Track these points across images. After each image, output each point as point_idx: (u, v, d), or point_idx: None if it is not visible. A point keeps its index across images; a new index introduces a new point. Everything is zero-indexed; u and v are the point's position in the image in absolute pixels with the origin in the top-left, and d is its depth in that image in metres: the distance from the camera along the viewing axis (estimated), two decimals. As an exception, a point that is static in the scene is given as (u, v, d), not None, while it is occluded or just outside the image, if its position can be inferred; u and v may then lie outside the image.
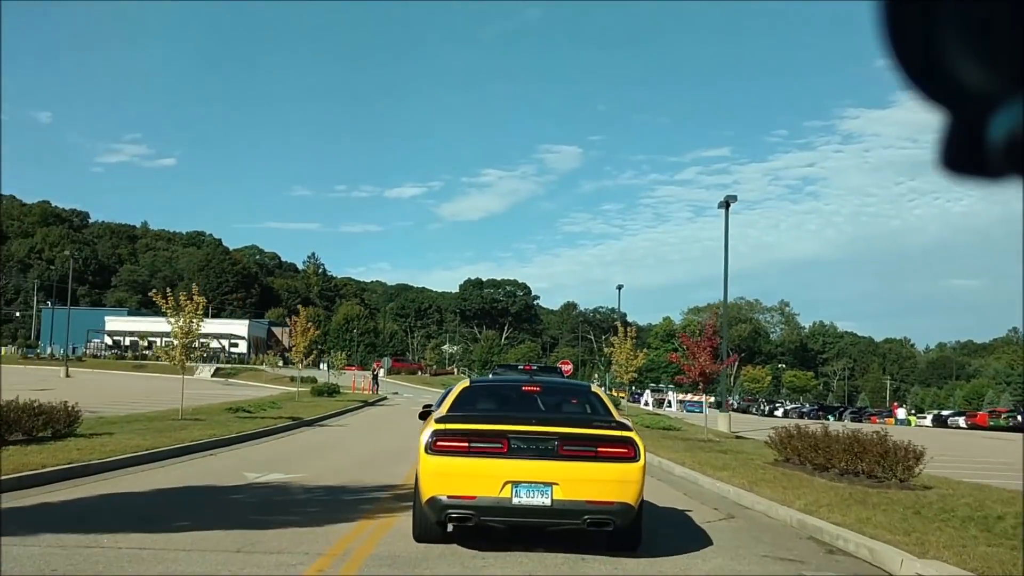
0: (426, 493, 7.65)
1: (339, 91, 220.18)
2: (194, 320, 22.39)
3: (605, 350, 41.98)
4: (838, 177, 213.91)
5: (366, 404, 40.02)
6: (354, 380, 56.20)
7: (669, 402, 62.63)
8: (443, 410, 8.60)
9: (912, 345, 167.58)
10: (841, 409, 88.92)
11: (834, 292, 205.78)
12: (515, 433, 7.72)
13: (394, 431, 24.36)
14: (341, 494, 11.65)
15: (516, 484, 7.54)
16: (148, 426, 19.33)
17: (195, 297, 22.54)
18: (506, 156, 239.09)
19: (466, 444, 7.70)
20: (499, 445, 7.68)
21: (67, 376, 56.27)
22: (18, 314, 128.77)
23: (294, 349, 37.71)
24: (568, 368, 46.45)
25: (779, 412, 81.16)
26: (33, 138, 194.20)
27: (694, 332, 25.92)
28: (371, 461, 16.33)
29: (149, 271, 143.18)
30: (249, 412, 26.91)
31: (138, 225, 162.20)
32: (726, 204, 32.24)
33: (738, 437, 26.19)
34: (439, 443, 7.71)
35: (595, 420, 8.34)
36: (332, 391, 43.01)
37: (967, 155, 0.83)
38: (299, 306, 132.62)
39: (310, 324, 38.19)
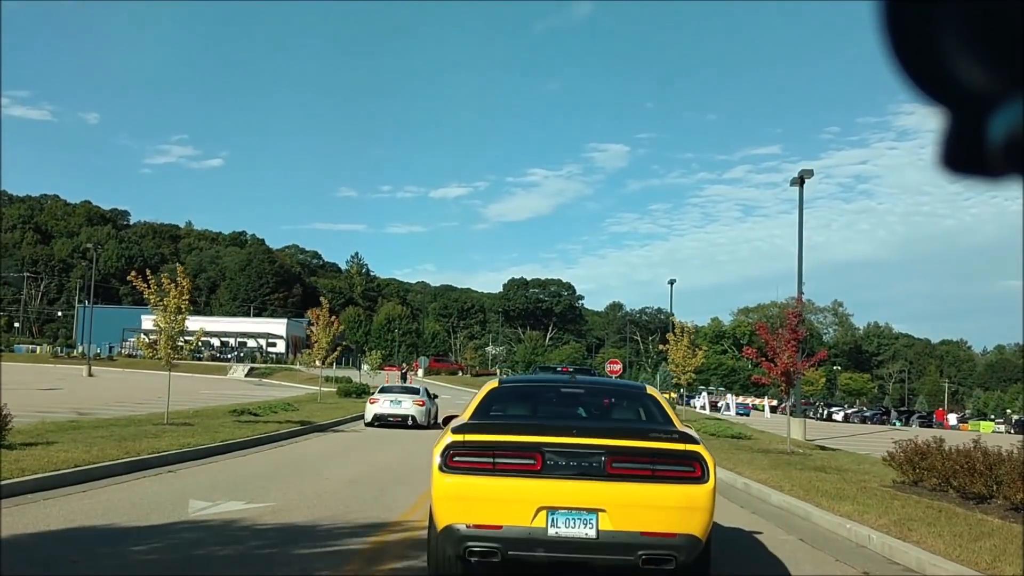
0: (441, 521, 6.20)
1: (384, 91, 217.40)
2: (181, 307, 18.90)
3: (659, 347, 38.07)
4: (892, 175, 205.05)
5: (396, 406, 36.42)
6: (387, 380, 52.91)
7: (727, 405, 57.51)
8: (464, 416, 7.10)
9: (969, 347, 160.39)
10: (907, 413, 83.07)
11: (887, 293, 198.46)
12: (551, 446, 6.19)
13: (414, 440, 20.76)
14: (305, 539, 8.01)
15: (552, 511, 6.08)
16: (113, 433, 15.90)
17: (180, 280, 19.08)
18: (552, 155, 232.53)
19: (490, 460, 6.18)
20: (531, 461, 6.16)
21: (89, 375, 53.99)
22: (60, 313, 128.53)
23: (316, 346, 34.16)
24: (617, 368, 42.75)
25: (838, 416, 75.93)
26: (81, 139, 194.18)
27: (773, 325, 21.36)
28: (369, 481, 12.72)
29: (193, 271, 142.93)
30: (255, 415, 23.54)
31: (182, 225, 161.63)
32: (800, 180, 28.40)
33: (822, 448, 22.13)
34: (456, 458, 6.21)
35: (652, 430, 6.67)
36: (360, 392, 39.58)
37: (967, 154, 0.83)
38: (341, 307, 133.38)
39: (333, 317, 34.52)
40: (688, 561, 6.07)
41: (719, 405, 61.14)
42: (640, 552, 5.96)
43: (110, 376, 56.34)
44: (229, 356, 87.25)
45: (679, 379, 32.18)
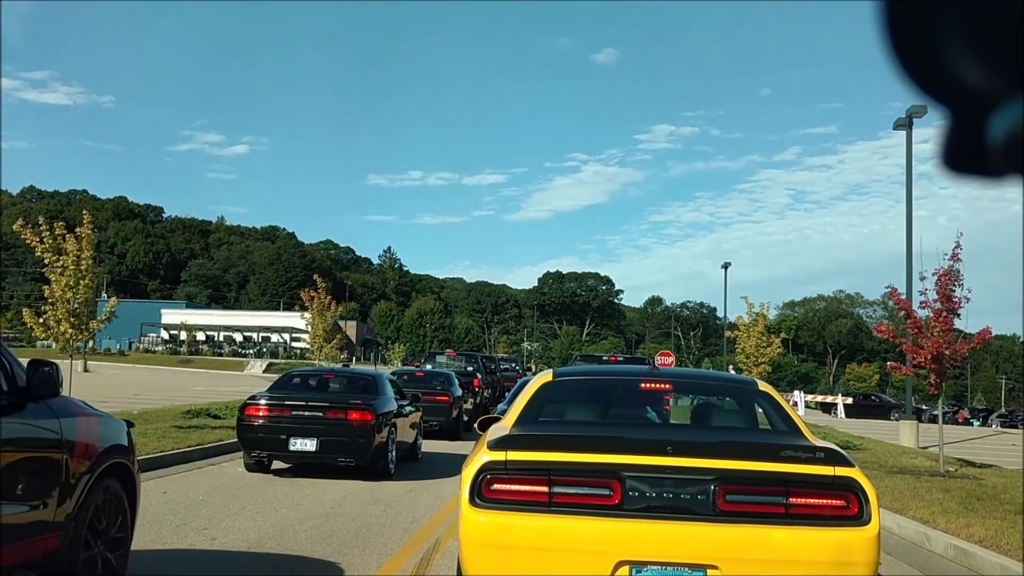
0: None
1: (414, 72, 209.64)
2: (83, 269, 13.59)
3: (729, 334, 32.74)
4: None
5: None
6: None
7: (795, 404, 50.78)
8: (507, 422, 5.22)
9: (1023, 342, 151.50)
10: (986, 412, 73.99)
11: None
12: (636, 469, 4.39)
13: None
14: None
15: (638, 568, 4.25)
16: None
17: (82, 232, 13.73)
18: (593, 139, 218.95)
19: (544, 488, 4.41)
20: (607, 492, 4.38)
21: (85, 371, 49.61)
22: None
23: (311, 332, 28.94)
24: (669, 360, 37.16)
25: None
26: (102, 125, 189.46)
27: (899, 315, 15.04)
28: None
29: (223, 266, 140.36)
30: (214, 417, 18.49)
31: (214, 220, 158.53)
32: (908, 122, 22.63)
33: (966, 462, 16.31)
34: (494, 486, 4.44)
35: (779, 445, 4.61)
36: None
37: (967, 154, 0.83)
38: (373, 301, 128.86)
39: (330, 299, 29.14)
40: None
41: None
42: None
43: (109, 372, 52.18)
44: (248, 351, 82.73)
45: (751, 373, 26.63)
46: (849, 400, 56.08)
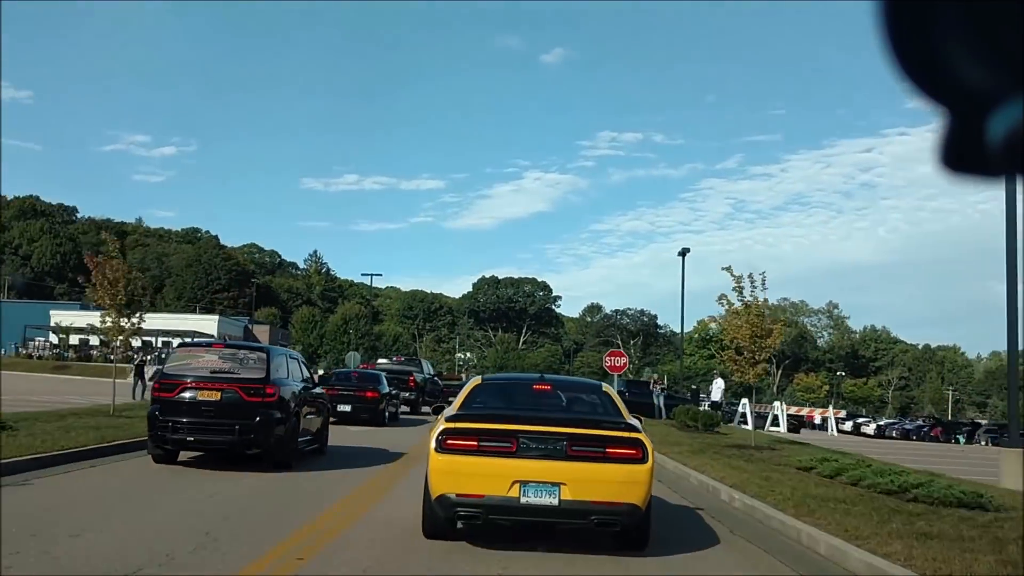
0: (435, 491, 8.05)
1: (351, 75, 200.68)
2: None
3: (706, 320, 26.74)
4: (899, 166, 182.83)
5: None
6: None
7: (775, 418, 41.23)
8: (455, 408, 9.03)
9: (963, 353, 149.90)
10: (972, 427, 63.28)
11: (884, 297, 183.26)
12: (524, 433, 8.05)
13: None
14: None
15: (524, 484, 7.88)
16: None
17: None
18: (535, 146, 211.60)
19: (475, 443, 8.02)
20: (508, 444, 8.00)
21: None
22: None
23: (102, 319, 20.71)
24: (623, 360, 33.39)
25: (868, 428, 62.48)
26: (17, 121, 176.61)
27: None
28: None
29: (138, 268, 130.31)
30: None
31: (132, 221, 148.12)
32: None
33: None
34: (449, 441, 8.07)
35: (604, 421, 8.58)
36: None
37: (967, 154, 0.84)
38: (297, 307, 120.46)
39: (119, 262, 19.29)
40: (631, 524, 8.15)
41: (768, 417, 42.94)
42: (593, 517, 7.95)
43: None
44: (135, 356, 73.61)
45: (746, 375, 19.56)
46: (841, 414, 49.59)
